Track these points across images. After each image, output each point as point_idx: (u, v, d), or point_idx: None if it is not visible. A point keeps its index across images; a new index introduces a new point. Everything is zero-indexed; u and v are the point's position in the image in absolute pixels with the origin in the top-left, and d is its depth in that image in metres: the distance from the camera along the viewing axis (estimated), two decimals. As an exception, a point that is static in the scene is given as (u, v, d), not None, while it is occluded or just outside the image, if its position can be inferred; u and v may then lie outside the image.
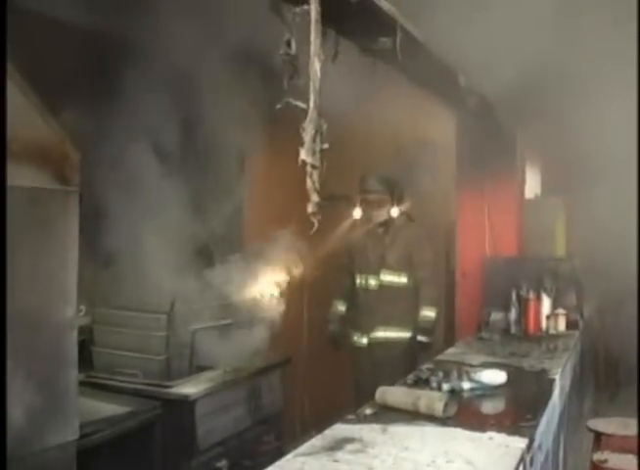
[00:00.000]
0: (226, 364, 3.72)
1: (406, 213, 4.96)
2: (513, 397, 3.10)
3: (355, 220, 4.97)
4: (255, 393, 3.84)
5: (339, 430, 2.48)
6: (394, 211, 4.84)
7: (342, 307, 5.06)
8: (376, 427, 2.51)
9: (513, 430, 2.50)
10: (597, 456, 3.55)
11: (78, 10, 3.43)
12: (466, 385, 3.08)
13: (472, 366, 3.57)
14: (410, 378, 3.23)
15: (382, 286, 4.85)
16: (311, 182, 2.32)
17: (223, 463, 3.49)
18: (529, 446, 2.41)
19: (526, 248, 6.67)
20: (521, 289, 5.05)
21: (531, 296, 4.99)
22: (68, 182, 2.35)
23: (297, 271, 4.10)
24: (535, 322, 4.97)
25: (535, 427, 2.62)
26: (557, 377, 3.49)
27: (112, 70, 3.56)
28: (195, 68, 3.89)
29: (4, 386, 1.99)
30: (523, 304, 4.99)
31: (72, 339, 2.40)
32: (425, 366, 3.59)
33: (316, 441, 2.34)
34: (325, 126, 2.34)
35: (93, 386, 3.35)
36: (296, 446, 2.29)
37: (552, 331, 4.98)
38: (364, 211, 4.89)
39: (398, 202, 4.87)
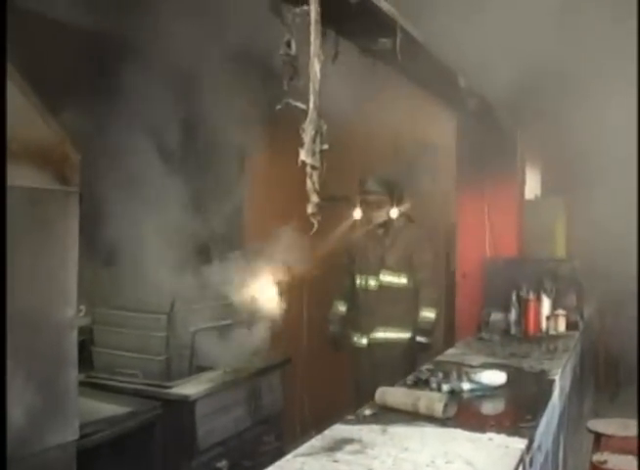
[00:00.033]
0: (226, 365, 3.73)
1: (406, 214, 4.97)
2: (513, 397, 3.10)
3: (355, 221, 4.97)
4: (255, 393, 3.84)
5: (338, 430, 2.48)
6: (394, 212, 4.84)
7: (342, 308, 5.07)
8: (375, 428, 2.51)
9: (512, 431, 2.50)
10: (597, 457, 3.55)
11: (78, 10, 3.43)
12: (466, 386, 3.08)
13: (472, 367, 3.57)
14: (410, 379, 3.23)
15: (381, 287, 4.86)
16: (311, 183, 2.32)
17: (223, 463, 3.49)
18: (529, 447, 2.41)
19: (527, 248, 6.67)
20: (521, 290, 5.05)
21: (531, 296, 4.99)
22: (69, 182, 2.36)
23: (297, 271, 4.10)
24: (535, 323, 4.96)
25: (535, 428, 2.62)
26: (557, 378, 3.49)
27: (111, 71, 3.55)
28: (195, 68, 3.89)
29: (4, 386, 1.99)
30: (523, 304, 4.99)
31: (72, 339, 2.41)
32: (425, 367, 3.59)
33: (316, 441, 2.34)
34: (325, 127, 2.34)
35: (93, 386, 3.36)
36: (296, 447, 2.29)
37: (552, 332, 4.98)
38: (364, 211, 4.90)
39: (398, 203, 4.87)
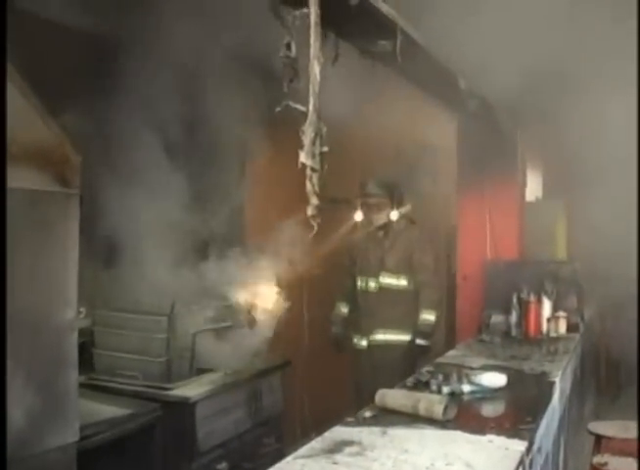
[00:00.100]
0: (226, 366, 3.72)
1: (407, 216, 4.97)
2: (513, 399, 3.10)
3: (356, 223, 4.98)
4: (256, 395, 3.83)
5: (338, 432, 2.48)
6: (394, 215, 4.85)
7: (344, 309, 5.08)
8: (375, 430, 2.51)
9: (512, 433, 2.50)
10: (597, 459, 3.55)
11: (77, 11, 3.44)
12: (466, 388, 3.08)
13: (472, 369, 3.57)
14: (410, 381, 3.23)
15: (381, 288, 4.86)
16: (311, 185, 2.32)
17: (223, 465, 3.49)
18: (529, 449, 2.41)
19: (527, 251, 6.67)
20: (521, 292, 5.05)
21: (532, 298, 4.99)
22: (69, 185, 2.36)
23: (298, 273, 4.10)
24: (536, 325, 4.96)
25: (535, 430, 2.62)
26: (557, 380, 3.49)
27: (112, 72, 3.56)
28: (195, 69, 3.89)
29: (4, 387, 1.99)
30: (523, 306, 4.99)
31: (73, 341, 2.40)
32: (425, 369, 3.59)
33: (316, 443, 2.34)
34: (324, 129, 2.34)
35: (94, 388, 3.35)
36: (296, 449, 2.29)
37: (553, 334, 4.98)
38: (365, 214, 4.91)
39: (398, 205, 4.88)
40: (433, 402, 2.66)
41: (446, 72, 4.10)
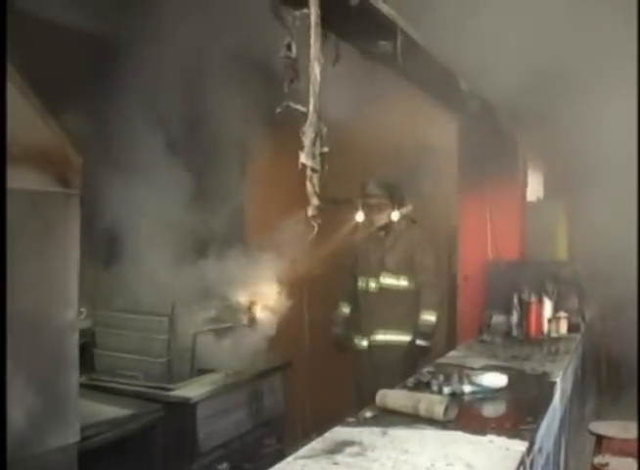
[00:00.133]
0: (227, 367, 3.72)
1: (408, 216, 4.97)
2: (514, 400, 3.10)
3: (357, 224, 4.98)
4: (257, 395, 3.84)
5: (339, 433, 2.47)
6: (395, 215, 4.85)
7: (346, 309, 5.08)
8: (376, 430, 2.51)
9: (513, 433, 2.50)
10: (598, 460, 3.56)
11: (78, 12, 3.45)
12: (467, 388, 3.08)
13: (473, 369, 3.57)
14: (411, 381, 3.23)
15: (381, 289, 4.87)
16: (311, 186, 2.33)
17: (224, 466, 3.49)
18: (530, 450, 2.41)
19: (528, 251, 6.66)
20: (522, 292, 5.05)
21: (533, 299, 4.99)
22: (70, 185, 2.36)
23: (299, 273, 4.10)
24: (537, 325, 4.96)
25: (536, 430, 2.62)
26: (558, 380, 3.49)
27: (113, 73, 3.56)
28: (196, 70, 3.89)
29: (4, 388, 2.00)
30: (524, 307, 4.99)
31: (73, 341, 2.40)
32: (426, 369, 3.59)
33: (316, 443, 2.34)
34: (325, 130, 2.35)
35: (95, 388, 3.36)
36: (297, 449, 2.29)
37: (553, 334, 4.98)
38: (366, 214, 4.91)
39: (399, 205, 4.88)
40: (433, 403, 2.66)
41: (447, 73, 4.10)
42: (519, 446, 2.36)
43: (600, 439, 3.89)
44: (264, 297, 4.00)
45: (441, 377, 3.19)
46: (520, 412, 2.86)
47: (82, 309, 3.38)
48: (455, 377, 3.18)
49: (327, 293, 5.15)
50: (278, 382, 4.10)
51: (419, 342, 4.73)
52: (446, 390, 3.01)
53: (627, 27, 4.16)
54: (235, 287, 3.93)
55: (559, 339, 4.85)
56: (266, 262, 3.91)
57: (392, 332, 4.80)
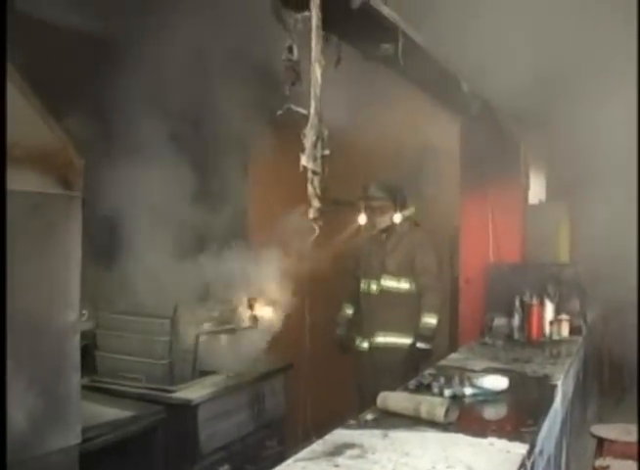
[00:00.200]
0: (229, 369, 3.73)
1: (411, 218, 4.98)
2: (515, 402, 3.09)
3: (360, 226, 4.99)
4: (258, 397, 3.84)
5: (339, 435, 2.47)
6: (397, 218, 4.85)
7: (349, 311, 5.09)
8: (376, 432, 2.51)
9: (514, 435, 2.49)
10: (599, 462, 3.56)
11: (82, 14, 3.46)
12: (468, 390, 3.08)
13: (474, 372, 3.57)
14: (412, 383, 3.23)
15: (382, 291, 4.87)
16: (312, 188, 2.33)
17: (225, 468, 3.50)
18: (530, 452, 2.41)
19: (530, 253, 6.66)
20: (524, 295, 5.04)
21: (535, 301, 4.98)
22: (72, 187, 2.36)
23: (301, 276, 4.11)
24: (538, 328, 4.96)
25: (537, 433, 2.62)
26: (559, 383, 3.49)
27: (114, 75, 3.57)
28: (198, 72, 3.90)
29: (4, 389, 2.00)
30: (526, 309, 4.98)
31: (75, 343, 2.41)
32: (427, 372, 3.59)
33: (317, 446, 2.34)
34: (326, 133, 2.35)
35: (96, 390, 3.37)
36: (298, 451, 2.29)
37: (555, 337, 4.97)
38: (368, 217, 4.92)
39: (401, 208, 4.88)
40: (434, 405, 2.66)
41: (448, 75, 4.10)
42: (519, 449, 2.36)
43: (601, 441, 3.89)
44: (266, 299, 4.00)
45: (442, 379, 3.19)
46: (521, 415, 2.85)
47: (84, 311, 3.40)
48: (456, 379, 3.18)
49: (329, 294, 5.15)
50: (279, 384, 4.11)
51: (420, 344, 4.72)
52: (447, 392, 3.01)
53: (627, 27, 4.16)
54: (237, 289, 3.93)
55: (560, 341, 4.85)
56: (269, 264, 3.92)
57: (393, 334, 4.80)
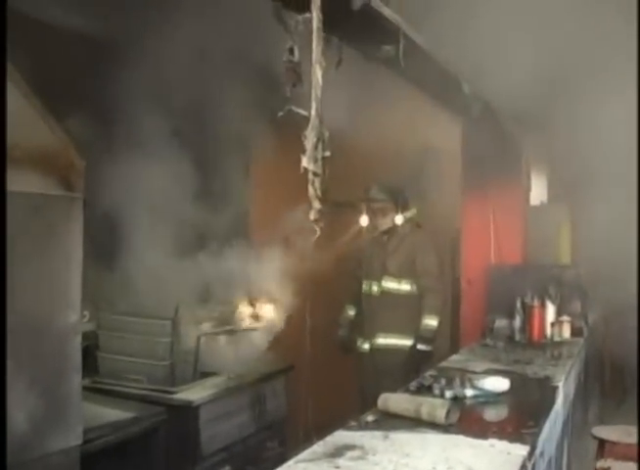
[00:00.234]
0: (230, 370, 3.73)
1: (413, 220, 4.98)
2: (516, 404, 3.09)
3: (362, 228, 4.99)
4: (259, 399, 3.84)
5: (340, 436, 2.47)
6: (399, 219, 4.85)
7: (352, 312, 5.10)
8: (377, 434, 2.50)
9: (515, 437, 2.49)
10: (600, 464, 3.56)
11: (84, 15, 3.46)
12: (469, 392, 3.08)
13: (475, 373, 3.57)
14: (413, 385, 3.23)
15: (383, 292, 4.87)
16: (313, 189, 2.33)
17: (227, 469, 3.50)
18: (531, 454, 2.41)
19: (531, 255, 6.65)
20: (525, 296, 5.04)
21: (536, 303, 4.99)
22: (73, 188, 2.37)
23: (302, 277, 4.11)
24: (540, 329, 4.96)
25: (537, 434, 2.62)
26: (560, 384, 3.49)
27: (117, 78, 3.57)
28: (201, 72, 3.91)
29: (4, 391, 2.00)
30: (527, 311, 4.98)
31: (76, 344, 2.41)
32: (428, 373, 3.59)
33: (317, 447, 2.34)
34: (327, 134, 2.35)
35: (98, 391, 3.37)
36: (299, 453, 2.29)
37: (556, 338, 4.97)
38: (370, 219, 4.92)
39: (403, 209, 4.88)
40: (435, 407, 2.66)
41: (450, 77, 4.10)
42: (520, 451, 2.36)
43: (602, 443, 3.89)
44: (267, 300, 4.01)
45: (443, 381, 3.19)
46: (521, 416, 2.85)
47: (85, 312, 3.41)
48: (457, 381, 3.18)
49: (331, 296, 5.15)
50: (281, 385, 4.11)
51: (420, 346, 4.71)
52: (448, 393, 3.01)
53: (627, 27, 4.15)
54: (238, 291, 3.93)
55: (562, 343, 4.85)
56: (269, 265, 3.92)
57: (393, 336, 4.80)
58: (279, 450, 3.95)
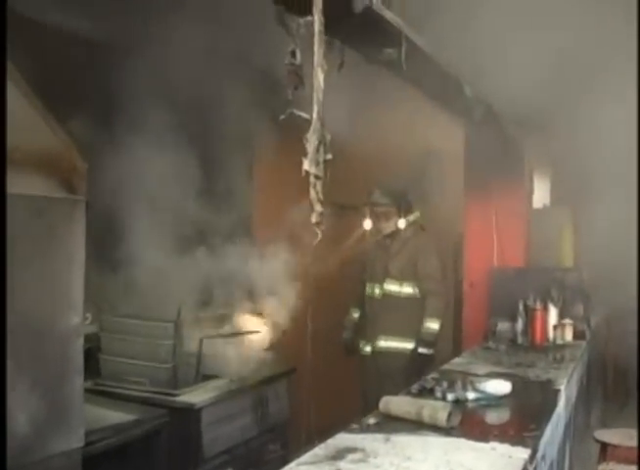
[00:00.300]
0: (232, 373, 3.73)
1: (416, 223, 4.98)
2: (518, 407, 3.09)
3: (365, 231, 5.00)
4: (261, 401, 3.84)
5: (341, 439, 2.48)
6: (402, 223, 4.86)
7: (356, 315, 5.11)
8: (379, 436, 2.51)
9: (516, 440, 2.49)
10: (602, 467, 3.55)
11: (86, 18, 3.47)
12: (470, 395, 3.08)
13: (477, 376, 3.57)
14: (415, 387, 3.23)
15: (385, 295, 4.88)
16: (315, 193, 2.33)
17: (228, 471, 3.50)
18: (532, 457, 2.41)
19: (534, 258, 6.64)
20: (528, 299, 5.05)
21: (538, 306, 4.98)
22: (75, 191, 2.37)
23: (305, 281, 4.11)
24: (542, 332, 4.96)
25: (539, 437, 2.62)
26: (562, 387, 3.48)
27: (119, 79, 3.58)
28: (203, 74, 3.92)
29: (4, 392, 2.00)
30: (529, 314, 4.98)
31: (78, 346, 2.41)
32: (430, 376, 3.59)
33: (319, 450, 2.34)
34: (329, 137, 2.35)
35: (100, 393, 3.37)
36: (301, 455, 2.30)
37: (559, 341, 4.97)
38: (373, 222, 4.93)
39: (406, 213, 4.88)
40: (436, 409, 2.66)
41: (451, 79, 4.10)
42: (521, 454, 2.36)
43: (605, 446, 3.88)
44: (270, 303, 4.01)
45: (445, 384, 3.19)
46: (523, 420, 2.85)
47: (88, 315, 3.41)
48: (459, 384, 3.18)
49: (334, 299, 5.15)
50: (283, 388, 4.11)
51: (421, 349, 4.71)
52: (450, 396, 3.01)
53: (627, 27, 4.15)
54: (241, 293, 3.93)
55: (564, 346, 4.85)
56: (273, 268, 3.92)
57: (395, 339, 4.80)
58: (281, 453, 3.96)
